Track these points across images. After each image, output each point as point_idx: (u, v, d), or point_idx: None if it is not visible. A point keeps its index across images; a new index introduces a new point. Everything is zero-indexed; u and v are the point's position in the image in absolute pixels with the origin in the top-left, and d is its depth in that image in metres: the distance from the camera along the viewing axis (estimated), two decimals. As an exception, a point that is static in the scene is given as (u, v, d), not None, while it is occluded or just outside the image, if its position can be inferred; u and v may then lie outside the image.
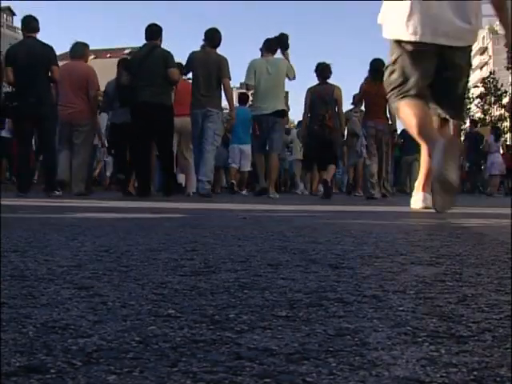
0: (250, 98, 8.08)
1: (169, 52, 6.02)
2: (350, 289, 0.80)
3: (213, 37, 6.35)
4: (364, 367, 0.46)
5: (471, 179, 13.63)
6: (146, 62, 5.83)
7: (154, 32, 6.07)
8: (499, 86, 35.51)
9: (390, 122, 7.34)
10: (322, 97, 7.15)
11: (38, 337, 0.53)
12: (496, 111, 35.25)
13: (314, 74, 7.30)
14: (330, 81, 7.29)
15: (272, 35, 6.90)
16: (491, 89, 35.92)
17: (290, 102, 8.48)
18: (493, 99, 35.16)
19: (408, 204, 3.49)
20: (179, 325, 0.59)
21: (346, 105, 8.65)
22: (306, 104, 7.29)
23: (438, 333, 0.56)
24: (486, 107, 36.45)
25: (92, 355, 0.48)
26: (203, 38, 6.38)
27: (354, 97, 8.75)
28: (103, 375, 0.43)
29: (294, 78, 6.84)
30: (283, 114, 6.99)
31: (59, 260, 1.05)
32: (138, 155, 6.06)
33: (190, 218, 2.71)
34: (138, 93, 5.78)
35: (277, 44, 6.85)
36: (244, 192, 8.88)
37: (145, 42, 6.08)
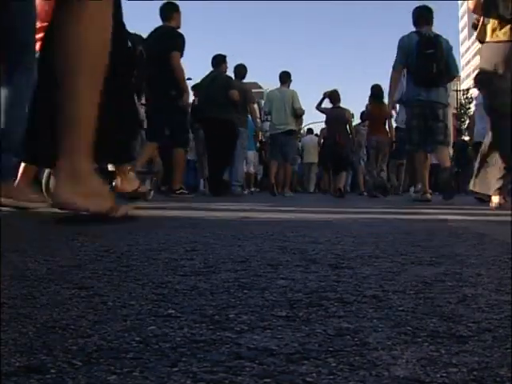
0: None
1: (230, 77, 7.91)
2: (350, 289, 0.80)
3: (239, 71, 8.40)
4: (364, 367, 0.46)
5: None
6: (212, 86, 7.51)
7: (218, 60, 7.86)
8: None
9: (389, 136, 9.46)
10: (336, 118, 9.40)
11: (37, 337, 0.53)
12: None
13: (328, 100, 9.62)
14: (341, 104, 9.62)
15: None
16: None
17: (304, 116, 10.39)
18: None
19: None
20: (179, 325, 0.59)
21: (356, 120, 11.56)
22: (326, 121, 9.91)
23: (438, 333, 0.56)
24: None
25: (92, 355, 0.48)
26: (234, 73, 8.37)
27: (362, 113, 11.53)
28: (103, 375, 0.43)
29: (300, 110, 8.98)
30: (293, 132, 9.05)
31: (59, 260, 1.05)
32: (212, 160, 7.84)
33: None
34: (205, 110, 7.49)
35: (287, 77, 9.01)
36: (289, 193, 9.52)
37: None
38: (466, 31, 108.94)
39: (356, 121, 11.74)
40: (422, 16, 6.07)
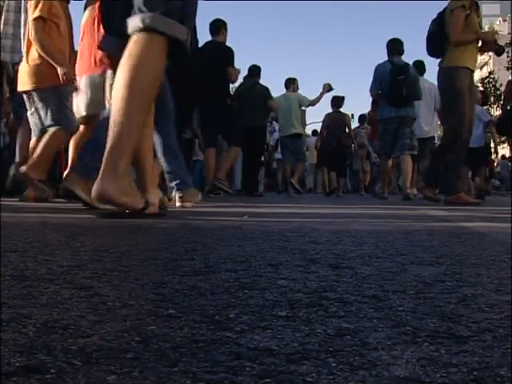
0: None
1: (267, 88, 8.49)
2: (350, 289, 0.80)
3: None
4: (364, 367, 0.46)
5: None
6: (250, 96, 8.17)
7: (254, 71, 8.60)
8: (498, 86, 35.53)
9: None
10: (336, 121, 10.05)
11: (37, 337, 0.53)
12: (496, 111, 35.25)
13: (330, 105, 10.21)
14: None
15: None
16: (490, 89, 35.93)
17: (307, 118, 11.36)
18: (492, 99, 35.16)
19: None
20: (179, 325, 0.58)
21: (354, 123, 12.68)
22: (323, 125, 10.42)
23: (437, 333, 0.56)
24: (485, 107, 36.45)
25: (92, 355, 0.48)
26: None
27: (360, 117, 12.49)
28: (103, 375, 0.43)
29: (308, 105, 9.47)
30: (299, 136, 9.47)
31: (59, 260, 1.05)
32: (249, 162, 8.67)
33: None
34: (246, 119, 7.93)
35: (290, 83, 9.46)
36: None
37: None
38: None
39: (355, 124, 12.94)
40: (395, 48, 7.26)
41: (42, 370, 0.44)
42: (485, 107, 11.78)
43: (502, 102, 8.08)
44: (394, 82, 6.94)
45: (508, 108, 7.18)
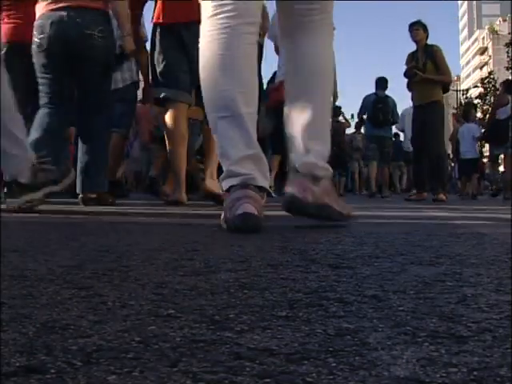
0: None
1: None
2: (350, 289, 0.80)
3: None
4: (364, 367, 0.46)
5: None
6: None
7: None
8: (498, 86, 35.53)
9: None
10: (336, 129, 10.68)
11: (37, 337, 0.53)
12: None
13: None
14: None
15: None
16: (490, 89, 35.91)
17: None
18: (492, 99, 35.14)
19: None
20: (179, 325, 0.58)
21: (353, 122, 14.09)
22: None
23: (437, 333, 0.56)
24: (485, 107, 36.47)
25: (92, 355, 0.48)
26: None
27: (356, 123, 13.34)
28: (103, 375, 0.43)
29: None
30: None
31: (59, 260, 1.05)
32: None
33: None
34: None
35: None
36: None
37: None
38: (466, 31, 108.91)
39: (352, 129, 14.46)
40: (381, 84, 9.70)
41: (41, 370, 0.44)
42: (485, 107, 12.66)
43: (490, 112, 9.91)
44: (375, 109, 9.44)
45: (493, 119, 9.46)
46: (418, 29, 7.08)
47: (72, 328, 0.57)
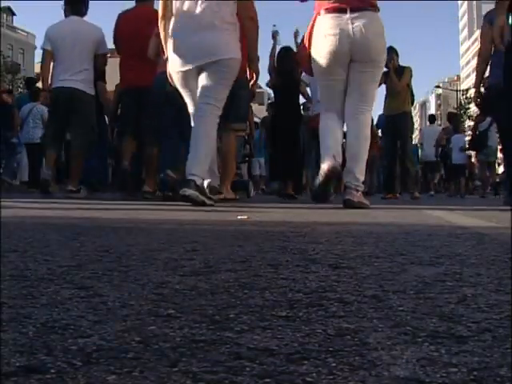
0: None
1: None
2: (350, 289, 0.80)
3: None
4: (364, 367, 0.46)
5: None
6: None
7: None
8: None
9: (379, 151, 11.77)
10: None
11: (37, 337, 0.53)
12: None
13: None
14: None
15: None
16: (491, 89, 35.88)
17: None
18: (492, 99, 35.05)
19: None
20: (179, 325, 0.58)
21: None
22: None
23: (437, 333, 0.56)
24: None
25: (92, 355, 0.48)
26: None
27: None
28: (103, 375, 0.43)
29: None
30: None
31: (59, 260, 1.05)
32: None
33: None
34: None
35: None
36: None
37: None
38: (466, 31, 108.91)
39: None
40: None
41: (42, 370, 0.44)
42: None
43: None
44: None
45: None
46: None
47: (72, 328, 0.57)
